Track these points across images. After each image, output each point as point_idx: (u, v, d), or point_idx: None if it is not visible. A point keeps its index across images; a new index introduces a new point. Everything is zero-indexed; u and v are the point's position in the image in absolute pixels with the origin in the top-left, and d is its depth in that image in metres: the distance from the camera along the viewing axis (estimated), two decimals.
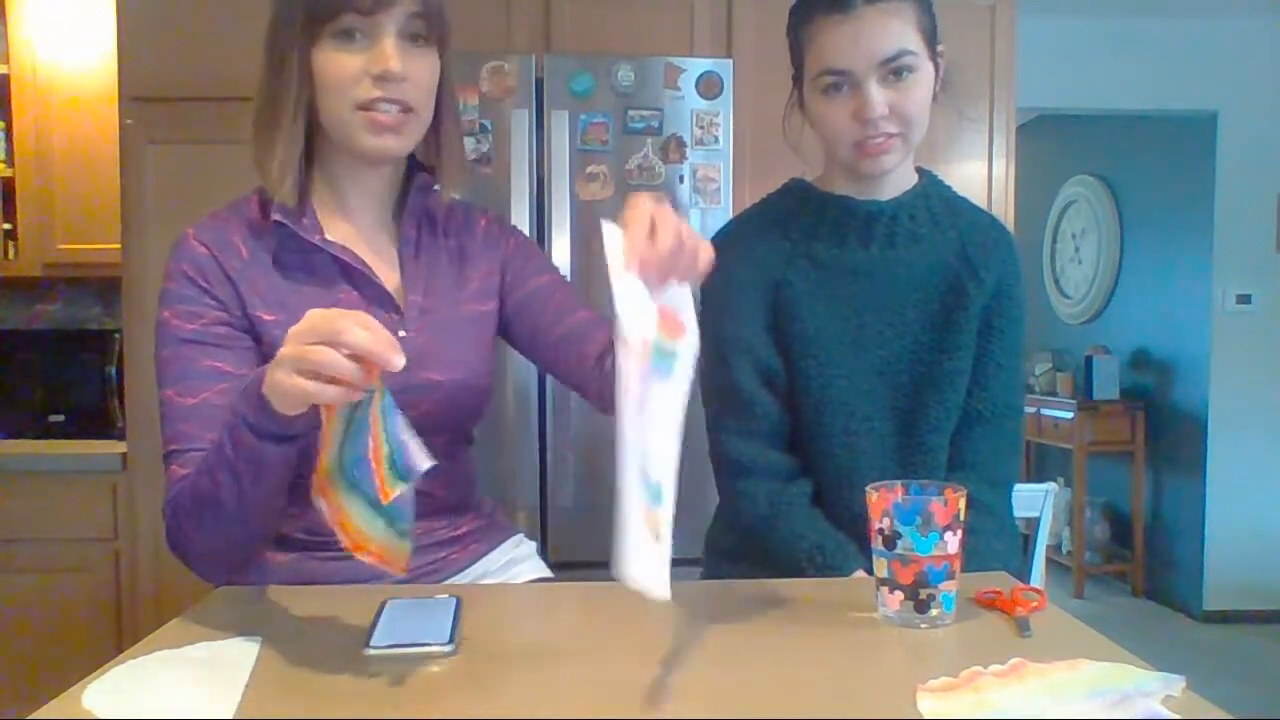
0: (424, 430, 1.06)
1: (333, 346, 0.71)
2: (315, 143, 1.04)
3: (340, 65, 0.97)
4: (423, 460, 0.74)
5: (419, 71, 1.00)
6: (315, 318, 0.73)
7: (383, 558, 0.79)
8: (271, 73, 1.00)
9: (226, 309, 0.99)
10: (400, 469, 0.74)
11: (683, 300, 0.81)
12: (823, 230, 1.23)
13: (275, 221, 1.01)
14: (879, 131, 1.12)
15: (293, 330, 0.74)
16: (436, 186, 1.11)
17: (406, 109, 0.99)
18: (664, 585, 0.70)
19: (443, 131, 1.08)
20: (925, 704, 0.68)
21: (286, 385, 0.74)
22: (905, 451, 1.21)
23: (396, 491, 0.74)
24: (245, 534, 0.93)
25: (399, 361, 0.71)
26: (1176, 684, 0.70)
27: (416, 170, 1.11)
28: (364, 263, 1.04)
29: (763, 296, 1.22)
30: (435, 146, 1.08)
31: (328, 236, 1.04)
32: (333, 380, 0.72)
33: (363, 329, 0.71)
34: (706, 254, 0.80)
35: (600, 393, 1.06)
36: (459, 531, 1.13)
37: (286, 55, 0.99)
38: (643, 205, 0.77)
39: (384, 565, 0.79)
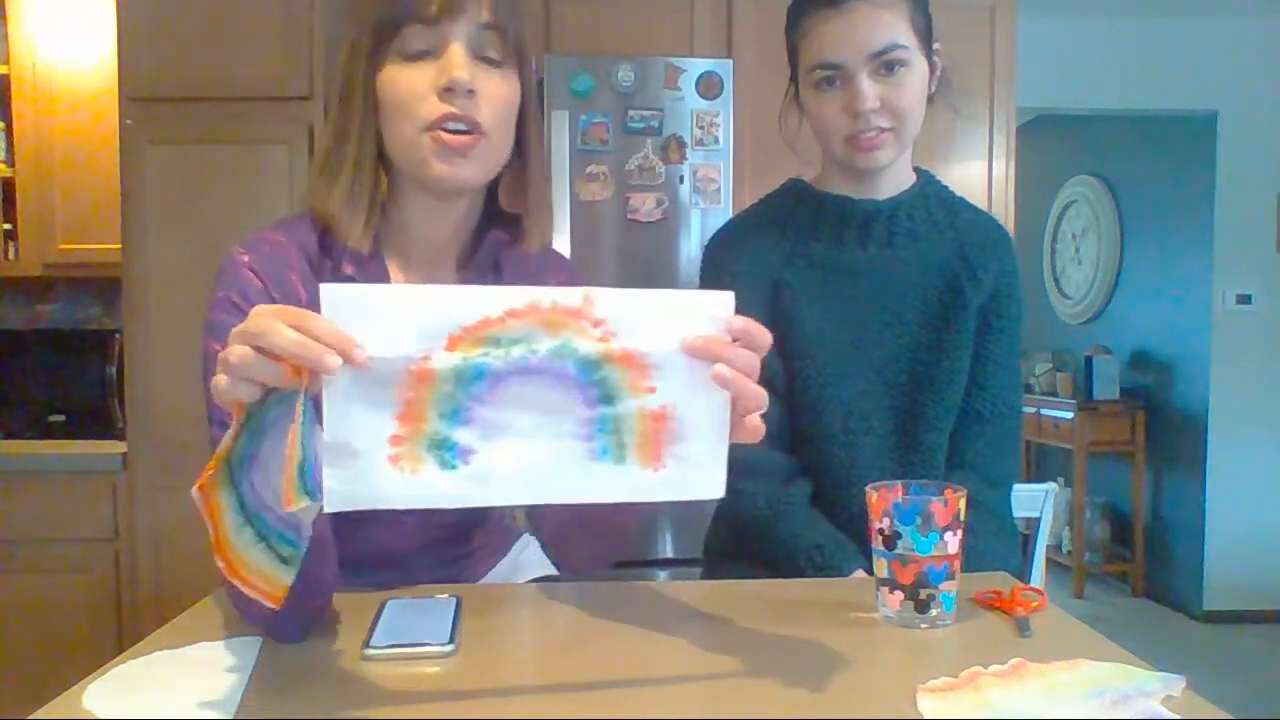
0: None
1: (255, 347, 0.63)
2: (382, 179, 0.95)
3: (405, 83, 0.89)
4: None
5: (492, 89, 0.90)
6: (252, 317, 0.64)
7: (249, 583, 0.67)
8: (340, 105, 0.93)
9: None
10: (309, 483, 0.64)
11: (694, 406, 0.69)
12: (821, 230, 1.23)
13: (344, 272, 0.93)
14: (870, 125, 1.13)
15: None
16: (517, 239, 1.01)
17: (477, 129, 0.89)
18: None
19: (529, 170, 0.98)
20: (925, 704, 0.68)
21: (214, 385, 0.66)
22: (904, 451, 1.21)
23: (301, 503, 0.63)
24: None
25: (330, 364, 0.62)
26: (1177, 684, 0.70)
27: (492, 216, 1.01)
28: None
29: (761, 296, 1.22)
30: (521, 190, 0.98)
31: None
32: (249, 379, 0.64)
33: (291, 330, 0.62)
34: (758, 425, 0.72)
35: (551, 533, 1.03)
36: (471, 546, 1.11)
37: (354, 82, 0.92)
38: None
39: (250, 590, 0.67)
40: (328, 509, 0.65)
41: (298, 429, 0.63)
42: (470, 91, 0.88)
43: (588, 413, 0.68)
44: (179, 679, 0.73)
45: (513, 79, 0.93)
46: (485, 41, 0.90)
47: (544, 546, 1.01)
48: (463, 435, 0.67)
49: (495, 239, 1.00)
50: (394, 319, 0.64)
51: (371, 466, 0.65)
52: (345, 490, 0.65)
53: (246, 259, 0.91)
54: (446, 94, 0.88)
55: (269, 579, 0.68)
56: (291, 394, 0.64)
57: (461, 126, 0.89)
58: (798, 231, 1.23)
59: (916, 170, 1.27)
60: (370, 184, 0.92)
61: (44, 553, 2.40)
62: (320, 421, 0.64)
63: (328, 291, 0.64)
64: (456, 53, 0.88)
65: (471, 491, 0.67)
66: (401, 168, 0.93)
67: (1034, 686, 0.71)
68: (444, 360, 0.65)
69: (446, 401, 0.66)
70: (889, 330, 1.21)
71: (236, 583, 0.67)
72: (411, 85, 0.89)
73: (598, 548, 0.96)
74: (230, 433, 0.65)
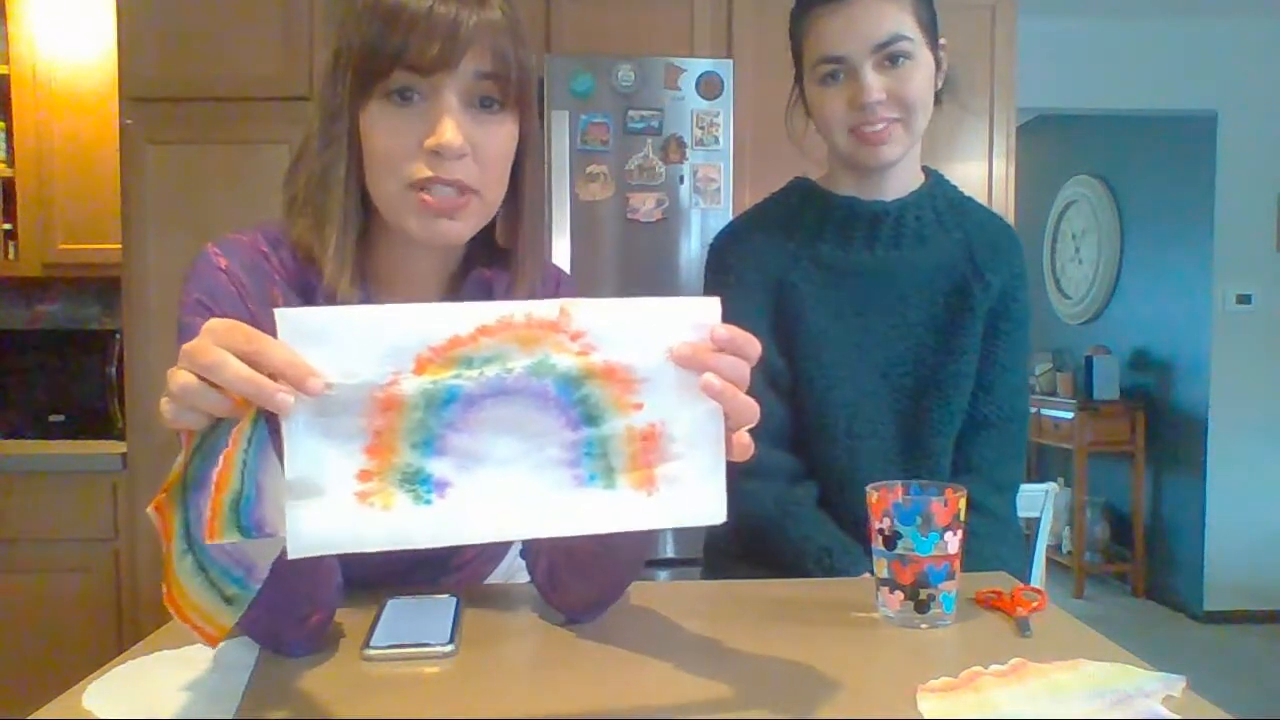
0: None
1: (201, 375, 0.59)
2: (365, 212, 0.87)
3: (389, 135, 0.80)
4: (280, 529, 0.60)
5: (488, 145, 0.82)
6: (203, 338, 0.60)
7: (184, 615, 0.63)
8: (323, 135, 0.84)
9: None
10: (244, 519, 0.59)
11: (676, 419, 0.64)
12: (827, 230, 1.22)
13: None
14: (876, 117, 1.11)
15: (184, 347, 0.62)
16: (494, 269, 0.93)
17: (467, 190, 0.82)
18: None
19: (524, 213, 0.89)
20: (926, 704, 0.68)
21: (160, 409, 0.62)
22: (908, 455, 1.20)
23: (229, 538, 0.59)
24: (278, 580, 0.71)
25: (284, 404, 0.58)
26: (1177, 684, 0.70)
27: (476, 244, 0.92)
28: None
29: (766, 297, 1.21)
30: (514, 229, 0.90)
31: None
32: (195, 409, 0.60)
33: (240, 363, 0.58)
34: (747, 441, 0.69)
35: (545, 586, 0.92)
36: (466, 556, 1.09)
37: (336, 118, 0.82)
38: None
39: (187, 624, 0.63)
40: (292, 554, 0.59)
41: (234, 455, 0.58)
42: (462, 155, 0.80)
43: (571, 436, 0.63)
44: (179, 679, 0.73)
45: (511, 123, 0.84)
46: (483, 88, 0.81)
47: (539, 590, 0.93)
48: (437, 466, 0.61)
49: (481, 279, 0.93)
50: (356, 342, 0.59)
51: (339, 505, 0.60)
52: (312, 533, 0.59)
53: (224, 263, 0.85)
54: (434, 157, 0.80)
55: (206, 615, 0.63)
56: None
57: (449, 191, 0.81)
58: (803, 232, 1.22)
59: (925, 170, 1.26)
60: (355, 233, 0.85)
61: (44, 553, 2.40)
62: (277, 452, 0.60)
63: (283, 316, 0.59)
64: (449, 110, 0.79)
65: (449, 529, 0.61)
66: (384, 214, 0.85)
67: (1035, 686, 0.71)
68: (412, 384, 0.60)
69: (418, 430, 0.61)
70: (894, 333, 1.20)
71: (173, 611, 0.62)
72: (397, 137, 0.80)
73: (594, 590, 0.87)
74: (182, 457, 0.60)
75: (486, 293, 0.93)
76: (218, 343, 0.58)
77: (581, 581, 0.86)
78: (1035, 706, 0.68)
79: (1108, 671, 0.74)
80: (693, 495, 0.66)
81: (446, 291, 0.94)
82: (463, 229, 0.84)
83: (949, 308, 1.20)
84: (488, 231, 0.89)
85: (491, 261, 0.93)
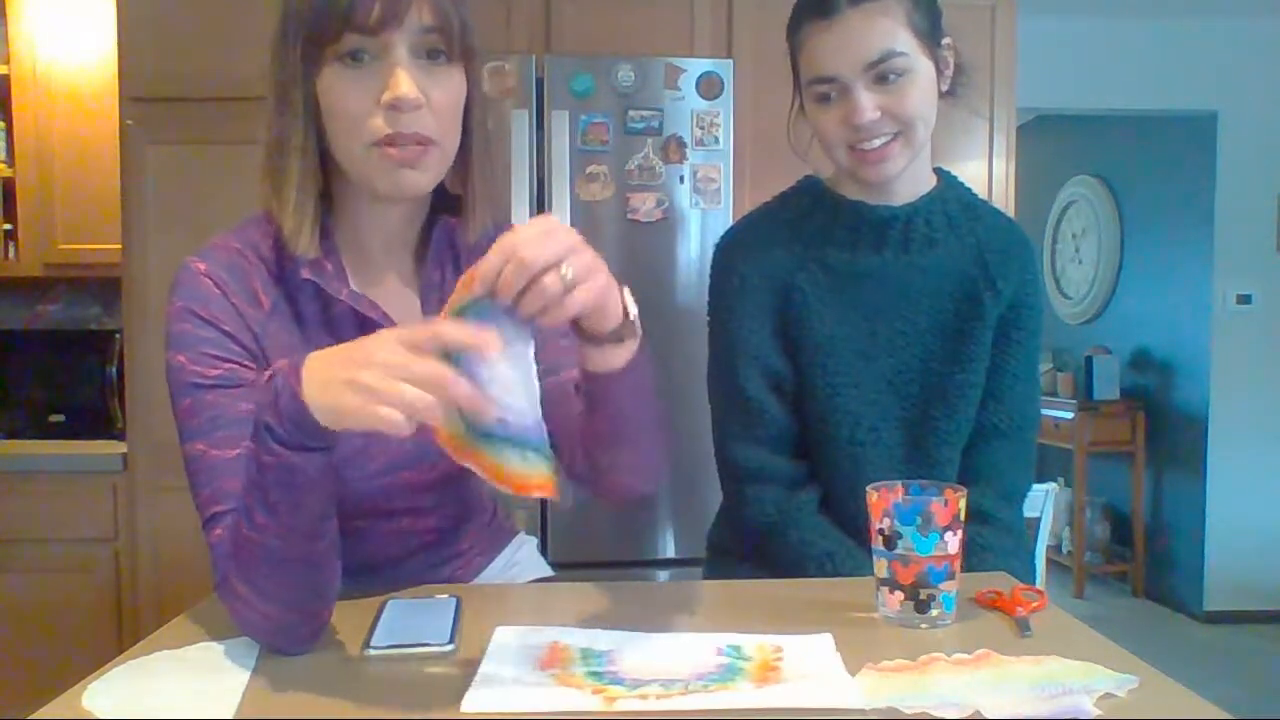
0: (431, 488, 1.01)
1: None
2: (329, 177, 0.92)
3: (346, 95, 0.85)
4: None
5: (440, 96, 0.87)
6: (392, 336, 0.68)
7: (525, 484, 0.73)
8: (277, 108, 0.88)
9: (249, 353, 0.89)
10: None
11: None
12: (836, 234, 1.20)
13: (302, 277, 0.91)
14: (872, 135, 1.10)
15: (366, 349, 0.68)
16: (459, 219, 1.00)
17: (426, 141, 0.86)
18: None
19: (472, 159, 0.95)
20: (862, 680, 0.69)
21: (369, 407, 0.66)
22: (913, 464, 1.18)
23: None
24: (305, 579, 0.77)
25: (493, 344, 0.68)
26: (1127, 684, 0.70)
27: (441, 199, 0.98)
28: (390, 320, 0.93)
29: (772, 300, 1.20)
30: (463, 174, 0.95)
31: (352, 286, 0.94)
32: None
33: (452, 329, 0.68)
34: (583, 295, 0.73)
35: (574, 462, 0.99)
36: (461, 547, 1.10)
37: (290, 86, 0.87)
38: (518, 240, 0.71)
39: (531, 490, 0.73)
40: None
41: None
42: (417, 106, 0.85)
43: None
44: (179, 679, 0.73)
45: (459, 74, 0.89)
46: (429, 41, 0.86)
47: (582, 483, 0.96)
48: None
49: (446, 226, 0.99)
50: None
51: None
52: None
53: (203, 267, 0.89)
54: (392, 111, 0.84)
55: (535, 477, 0.73)
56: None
57: (409, 142, 0.86)
58: (811, 234, 1.21)
59: (937, 171, 1.24)
60: (314, 192, 0.89)
61: (44, 553, 2.40)
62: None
63: None
64: (400, 64, 0.84)
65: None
66: (348, 174, 0.90)
67: (985, 675, 0.71)
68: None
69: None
70: (902, 339, 1.18)
71: (510, 489, 0.71)
72: (354, 97, 0.85)
73: (635, 453, 0.92)
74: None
75: (451, 238, 0.99)
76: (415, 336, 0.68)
77: (620, 452, 0.91)
78: (966, 693, 0.67)
79: (1067, 668, 0.73)
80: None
81: (417, 246, 0.99)
82: (425, 179, 0.89)
83: (959, 315, 1.19)
84: (446, 187, 0.95)
85: (454, 212, 0.98)
